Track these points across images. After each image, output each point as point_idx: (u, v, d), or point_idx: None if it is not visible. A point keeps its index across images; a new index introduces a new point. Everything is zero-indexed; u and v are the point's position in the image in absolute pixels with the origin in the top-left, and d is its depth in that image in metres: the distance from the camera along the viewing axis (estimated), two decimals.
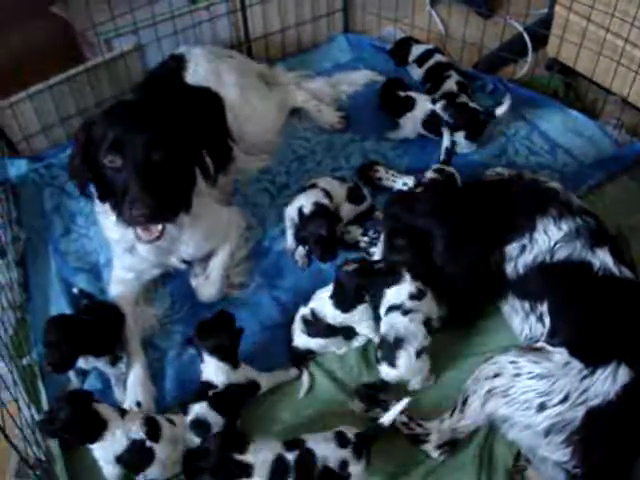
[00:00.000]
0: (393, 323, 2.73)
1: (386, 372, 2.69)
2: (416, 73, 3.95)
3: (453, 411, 2.62)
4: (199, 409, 2.57)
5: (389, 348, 2.68)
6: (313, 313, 2.85)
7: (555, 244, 2.71)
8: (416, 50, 3.94)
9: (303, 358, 2.87)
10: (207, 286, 3.03)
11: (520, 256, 2.78)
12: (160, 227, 2.67)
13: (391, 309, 2.77)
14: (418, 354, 2.68)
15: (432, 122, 3.57)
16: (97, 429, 2.41)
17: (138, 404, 2.71)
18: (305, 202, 3.14)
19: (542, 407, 2.42)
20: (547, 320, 2.66)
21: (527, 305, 2.75)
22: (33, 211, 3.41)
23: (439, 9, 4.42)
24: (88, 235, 3.30)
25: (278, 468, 2.37)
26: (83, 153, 2.64)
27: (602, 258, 2.65)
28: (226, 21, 3.93)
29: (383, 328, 2.75)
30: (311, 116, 3.78)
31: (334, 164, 3.56)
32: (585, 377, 2.41)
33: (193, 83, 3.40)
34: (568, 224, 2.74)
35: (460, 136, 3.51)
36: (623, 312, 2.55)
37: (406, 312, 2.73)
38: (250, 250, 3.22)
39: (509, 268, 2.81)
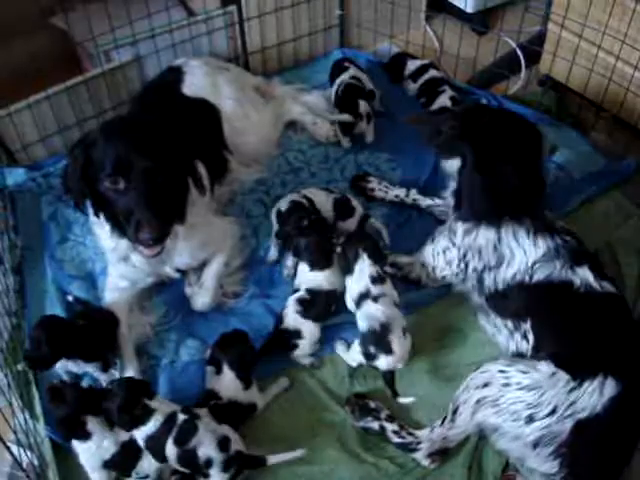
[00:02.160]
0: (369, 313, 2.78)
1: (386, 361, 2.71)
2: (411, 88, 4.00)
3: (444, 420, 2.64)
4: (201, 413, 2.59)
5: (379, 337, 2.71)
6: (310, 291, 2.91)
7: (530, 263, 2.72)
8: (411, 65, 3.99)
9: (288, 342, 2.88)
10: (201, 295, 3.05)
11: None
12: (162, 245, 2.71)
13: (361, 299, 2.83)
14: (404, 333, 2.74)
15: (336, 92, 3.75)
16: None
17: None
18: (283, 203, 3.20)
19: (531, 419, 2.43)
20: (531, 337, 2.67)
21: (510, 324, 2.77)
22: (30, 219, 3.43)
23: (434, 25, 4.48)
24: (84, 243, 3.31)
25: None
26: (82, 172, 2.64)
27: (582, 275, 2.65)
28: (224, 34, 3.97)
29: (364, 324, 2.78)
30: (307, 129, 3.82)
31: (329, 176, 3.59)
32: (572, 390, 2.42)
33: (190, 95, 3.44)
34: (545, 243, 2.74)
35: None
36: (607, 325, 2.57)
37: (375, 299, 2.79)
38: (244, 260, 3.25)
39: (488, 280, 2.84)
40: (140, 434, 2.49)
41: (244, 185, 3.53)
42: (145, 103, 3.39)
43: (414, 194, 3.42)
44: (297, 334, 2.88)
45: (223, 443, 2.48)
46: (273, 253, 3.25)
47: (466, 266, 2.89)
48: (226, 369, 2.69)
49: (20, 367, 2.81)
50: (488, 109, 3.14)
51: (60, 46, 3.89)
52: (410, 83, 3.99)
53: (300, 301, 2.92)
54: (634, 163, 3.56)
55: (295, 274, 3.10)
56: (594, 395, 2.40)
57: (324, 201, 3.23)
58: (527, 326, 2.69)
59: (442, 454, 2.64)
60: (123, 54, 3.74)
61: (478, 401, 2.54)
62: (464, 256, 2.88)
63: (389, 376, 2.74)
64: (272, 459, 2.53)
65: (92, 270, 3.23)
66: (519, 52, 4.09)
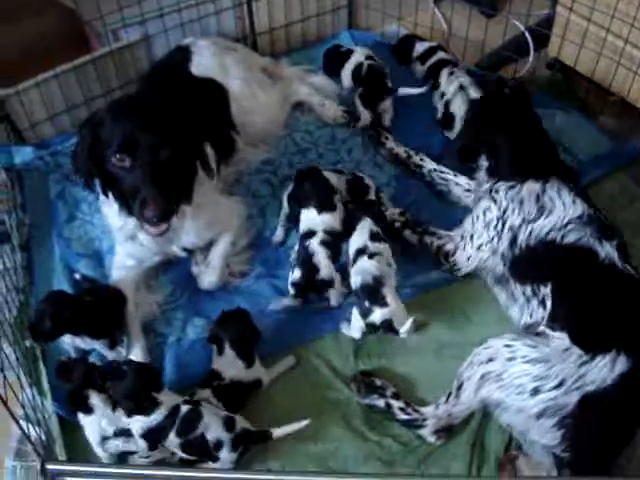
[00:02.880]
0: (364, 268, 2.84)
1: (381, 313, 2.74)
2: (419, 70, 3.99)
3: (448, 397, 2.66)
4: (202, 394, 2.64)
5: (373, 291, 2.76)
6: (328, 232, 3.00)
7: (564, 224, 2.78)
8: (419, 47, 3.99)
9: (327, 286, 2.94)
10: (208, 274, 3.07)
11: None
12: (167, 224, 2.72)
13: (358, 255, 2.89)
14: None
15: (357, 74, 3.79)
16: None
17: None
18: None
19: (536, 391, 2.46)
20: (549, 303, 2.69)
21: (528, 289, 2.78)
22: (38, 197, 3.45)
23: (442, 7, 4.46)
24: (92, 222, 3.33)
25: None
26: (90, 151, 2.66)
27: (608, 250, 2.70)
28: (232, 14, 3.97)
29: (358, 279, 2.83)
30: (314, 110, 3.83)
31: (336, 157, 3.60)
32: (583, 363, 2.45)
33: (198, 74, 3.44)
34: (583, 206, 2.82)
35: None
36: (625, 303, 2.60)
37: (371, 255, 2.86)
38: (251, 240, 3.26)
39: (522, 236, 2.87)
40: (139, 424, 2.49)
41: (251, 165, 3.54)
42: (153, 82, 3.38)
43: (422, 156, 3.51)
44: (330, 284, 2.92)
45: (229, 423, 2.51)
46: (279, 234, 3.27)
47: (503, 225, 2.91)
48: (227, 348, 2.71)
49: (28, 343, 2.83)
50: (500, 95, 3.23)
51: (68, 25, 3.89)
52: (418, 65, 3.98)
53: (326, 244, 2.97)
54: (638, 145, 3.56)
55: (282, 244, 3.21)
56: (604, 370, 2.42)
57: (337, 183, 3.24)
58: (547, 290, 2.70)
59: (447, 431, 2.67)
60: (131, 33, 3.74)
61: (482, 376, 2.57)
62: (504, 213, 2.91)
63: (386, 324, 2.75)
64: (277, 432, 2.56)
65: (99, 248, 3.25)
66: (527, 35, 4.07)
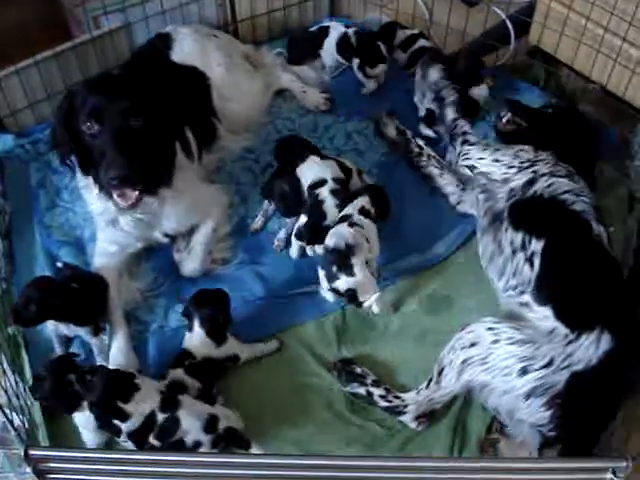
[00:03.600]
0: (340, 232, 2.90)
1: (346, 282, 2.79)
2: (400, 57, 4.00)
3: (429, 382, 2.68)
4: (175, 374, 2.65)
5: (342, 258, 2.80)
6: (336, 180, 3.11)
7: (580, 193, 2.85)
8: (401, 34, 3.99)
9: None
10: (190, 261, 3.08)
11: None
12: (137, 193, 2.71)
13: (340, 220, 2.97)
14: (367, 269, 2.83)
15: (345, 45, 3.80)
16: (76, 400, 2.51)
17: None
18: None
19: (524, 371, 2.49)
20: (537, 263, 2.71)
21: (519, 239, 2.79)
22: (19, 185, 3.44)
23: None
24: (73, 209, 3.32)
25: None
26: (65, 121, 2.69)
27: (600, 230, 2.76)
28: (213, 2, 3.95)
29: (332, 241, 2.87)
30: (296, 97, 3.82)
31: (318, 144, 3.56)
32: (570, 342, 2.49)
33: (179, 61, 3.44)
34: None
35: None
36: (608, 281, 2.65)
37: (352, 225, 2.93)
38: (233, 227, 3.27)
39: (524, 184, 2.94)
40: (124, 425, 2.49)
41: (232, 153, 3.54)
42: (133, 69, 3.36)
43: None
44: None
45: (211, 423, 2.50)
46: (258, 221, 3.29)
47: (530, 166, 2.98)
48: (197, 327, 2.72)
49: (10, 330, 2.83)
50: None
51: (49, 12, 3.85)
52: (400, 52, 3.99)
53: (334, 192, 3.07)
54: (617, 132, 3.59)
55: (286, 246, 3.18)
56: (590, 348, 2.47)
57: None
58: (538, 247, 2.73)
59: (429, 416, 2.69)
60: (112, 20, 3.71)
61: (464, 361, 2.59)
62: (537, 160, 3.00)
63: (351, 293, 2.79)
64: (254, 449, 2.55)
65: (81, 236, 3.25)
66: (508, 23, 4.08)
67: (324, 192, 3.05)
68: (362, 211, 3.00)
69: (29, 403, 2.66)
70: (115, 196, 2.71)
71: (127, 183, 2.65)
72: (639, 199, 3.34)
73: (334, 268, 2.80)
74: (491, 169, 3.07)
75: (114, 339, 2.85)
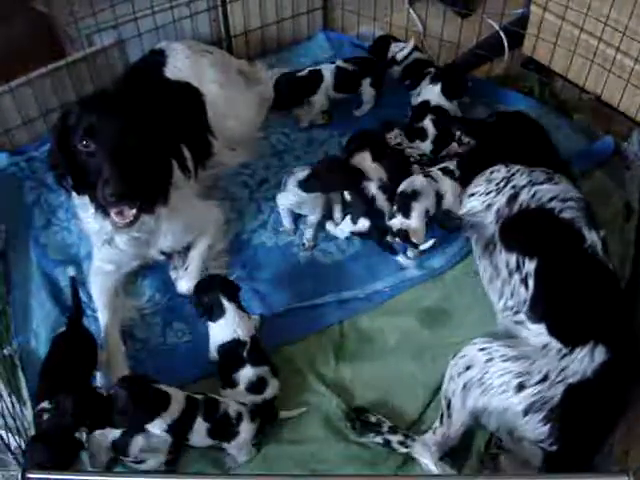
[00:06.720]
0: (412, 179, 3.13)
1: (400, 222, 3.03)
2: (395, 70, 3.99)
3: (441, 418, 2.62)
4: (248, 373, 2.67)
5: (406, 200, 3.03)
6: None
7: (566, 197, 2.83)
8: (395, 48, 3.99)
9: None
10: (186, 278, 3.06)
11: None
12: (134, 212, 2.69)
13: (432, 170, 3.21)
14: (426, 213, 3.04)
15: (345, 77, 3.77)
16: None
17: None
18: (299, 174, 3.22)
19: (521, 387, 2.46)
20: (531, 283, 2.68)
21: (513, 260, 2.76)
22: (14, 204, 3.43)
23: (417, 8, 4.46)
24: (68, 228, 3.31)
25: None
26: (59, 140, 2.68)
27: (593, 238, 2.72)
28: (207, 17, 3.96)
29: (403, 185, 3.10)
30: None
31: (313, 159, 3.57)
32: (564, 356, 2.47)
33: (173, 78, 3.44)
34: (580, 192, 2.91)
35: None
36: (600, 294, 2.62)
37: (427, 176, 3.14)
38: (229, 243, 3.26)
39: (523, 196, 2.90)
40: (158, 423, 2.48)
41: (228, 168, 3.54)
42: (128, 86, 3.36)
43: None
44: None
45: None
46: (287, 224, 3.32)
47: (506, 184, 2.95)
48: (227, 304, 2.74)
49: (6, 352, 2.81)
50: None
51: (42, 30, 3.85)
52: (394, 66, 3.98)
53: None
54: (613, 142, 3.59)
55: (314, 247, 3.27)
56: (585, 361, 2.45)
57: None
58: (531, 267, 2.70)
59: (449, 456, 2.61)
60: (105, 38, 3.72)
61: (464, 386, 2.55)
62: (512, 174, 2.98)
63: (403, 233, 3.00)
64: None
65: (77, 254, 3.23)
66: (502, 34, 4.09)
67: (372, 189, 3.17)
68: (444, 170, 3.17)
69: (26, 424, 2.63)
70: (112, 214, 2.69)
71: (125, 200, 2.63)
72: (635, 208, 3.33)
73: (394, 207, 3.03)
74: (471, 205, 3.06)
75: (112, 359, 2.82)
